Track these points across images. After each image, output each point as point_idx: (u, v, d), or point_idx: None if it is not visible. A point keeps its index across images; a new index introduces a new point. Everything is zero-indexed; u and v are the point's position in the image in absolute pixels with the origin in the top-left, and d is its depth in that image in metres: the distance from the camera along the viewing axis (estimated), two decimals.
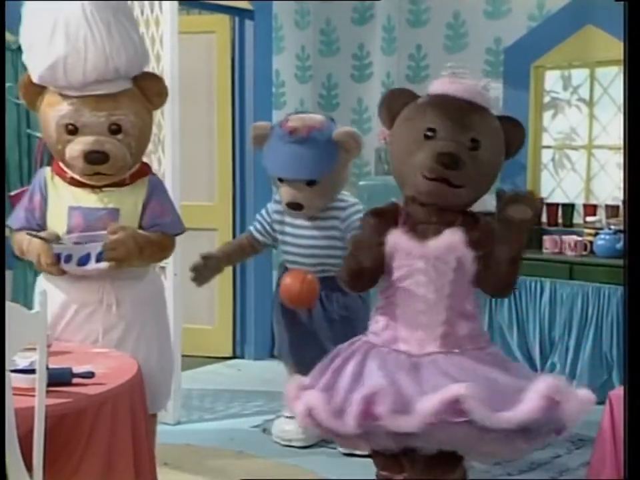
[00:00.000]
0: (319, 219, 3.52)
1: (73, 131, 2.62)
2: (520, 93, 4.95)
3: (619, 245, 4.38)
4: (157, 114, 3.93)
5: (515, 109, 4.96)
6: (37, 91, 2.68)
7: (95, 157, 2.60)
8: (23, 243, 2.67)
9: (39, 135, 4.25)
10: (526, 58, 4.92)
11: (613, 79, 4.80)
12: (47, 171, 2.77)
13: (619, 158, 4.79)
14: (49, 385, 1.99)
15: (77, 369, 2.20)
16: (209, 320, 5.29)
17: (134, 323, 2.74)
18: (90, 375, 2.20)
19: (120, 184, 2.71)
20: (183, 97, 3.99)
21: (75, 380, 2.16)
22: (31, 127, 4.32)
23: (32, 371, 2.02)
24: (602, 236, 4.47)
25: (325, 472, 3.39)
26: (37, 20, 2.62)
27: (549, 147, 5.08)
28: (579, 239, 4.57)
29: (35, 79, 2.66)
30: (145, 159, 2.94)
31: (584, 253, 4.52)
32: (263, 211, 3.70)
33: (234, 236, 5.13)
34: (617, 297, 4.26)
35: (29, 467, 1.94)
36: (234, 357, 5.27)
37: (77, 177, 2.69)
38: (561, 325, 4.46)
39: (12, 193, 4.22)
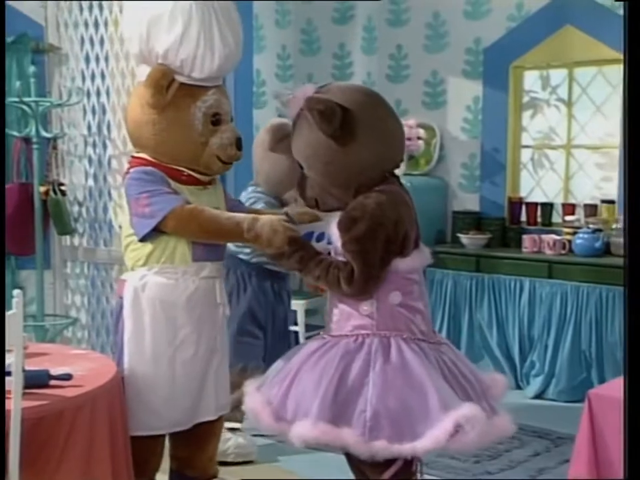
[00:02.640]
0: None
1: (217, 121, 2.57)
2: (499, 92, 4.98)
3: (598, 244, 4.41)
4: None
5: (494, 109, 5.00)
6: (167, 84, 2.51)
7: (240, 143, 2.61)
8: (240, 221, 2.43)
9: (15, 133, 4.22)
10: (505, 58, 4.95)
11: (592, 80, 4.83)
12: (156, 170, 2.54)
13: (597, 158, 4.83)
14: (25, 387, 1.97)
15: (54, 371, 2.19)
16: None
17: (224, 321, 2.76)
18: (67, 377, 2.18)
19: (211, 182, 2.68)
20: None
21: (52, 382, 2.15)
22: (6, 126, 4.27)
23: (8, 373, 1.99)
24: (580, 235, 4.50)
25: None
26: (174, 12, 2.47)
27: (528, 146, 5.10)
28: (558, 238, 4.59)
29: (195, 74, 2.52)
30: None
31: (563, 252, 4.55)
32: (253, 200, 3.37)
33: None
34: (595, 295, 4.28)
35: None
36: None
37: (194, 174, 2.58)
38: (540, 324, 4.48)
39: None
